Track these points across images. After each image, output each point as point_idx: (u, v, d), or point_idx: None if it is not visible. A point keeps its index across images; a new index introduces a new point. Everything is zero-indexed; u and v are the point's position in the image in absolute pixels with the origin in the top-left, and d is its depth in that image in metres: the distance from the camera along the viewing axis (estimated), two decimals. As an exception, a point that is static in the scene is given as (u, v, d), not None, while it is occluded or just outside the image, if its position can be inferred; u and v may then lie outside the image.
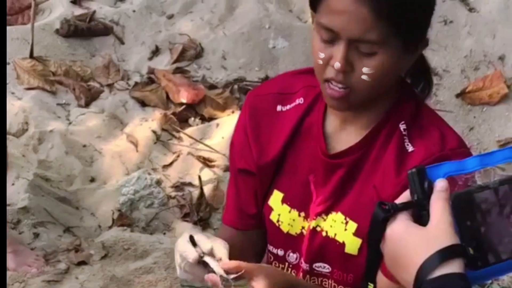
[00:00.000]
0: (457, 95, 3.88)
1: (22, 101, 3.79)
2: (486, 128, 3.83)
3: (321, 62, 1.67)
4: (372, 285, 1.26)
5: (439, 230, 1.15)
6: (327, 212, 1.76)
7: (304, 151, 1.79)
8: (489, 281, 3.08)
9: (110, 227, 3.37)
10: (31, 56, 3.98)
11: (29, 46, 3.98)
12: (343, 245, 1.74)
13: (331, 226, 1.75)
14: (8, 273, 3.05)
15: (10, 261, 3.07)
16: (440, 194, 1.16)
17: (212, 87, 4.02)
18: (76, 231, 3.29)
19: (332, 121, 1.78)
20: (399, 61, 1.67)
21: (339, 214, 1.75)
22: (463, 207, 1.16)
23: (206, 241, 1.65)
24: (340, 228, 1.74)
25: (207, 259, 1.62)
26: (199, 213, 3.41)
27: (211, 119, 3.86)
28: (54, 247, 3.19)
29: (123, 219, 3.36)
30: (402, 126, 1.72)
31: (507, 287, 3.13)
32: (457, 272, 1.12)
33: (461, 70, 3.92)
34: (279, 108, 1.81)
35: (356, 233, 1.73)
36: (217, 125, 3.81)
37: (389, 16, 1.61)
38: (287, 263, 1.83)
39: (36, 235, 3.23)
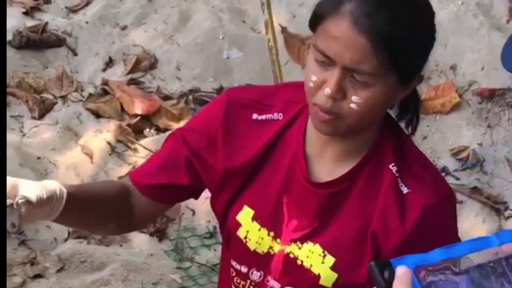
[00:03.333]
0: (410, 104, 3.93)
1: (-26, 113, 3.75)
2: (439, 137, 3.88)
3: (312, 85, 1.62)
4: None
5: None
6: (302, 240, 1.72)
7: (279, 169, 1.74)
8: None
9: (66, 240, 3.36)
10: (-17, 67, 3.95)
11: (-20, 58, 3.95)
12: (318, 277, 1.71)
13: (307, 257, 1.72)
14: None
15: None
16: (401, 278, 1.16)
17: (166, 98, 4.03)
18: (31, 244, 3.27)
19: (312, 143, 1.73)
20: (392, 94, 1.63)
21: (317, 246, 1.71)
22: None
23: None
24: (317, 260, 1.71)
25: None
26: (156, 224, 3.41)
27: (166, 130, 3.86)
28: (9, 260, 3.17)
29: (79, 231, 3.35)
30: (393, 168, 1.68)
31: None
32: None
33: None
34: (254, 116, 1.76)
35: (333, 268, 1.70)
36: (173, 136, 3.81)
37: (387, 50, 1.56)
38: (249, 280, 1.79)
39: (-10, 249, 3.20)
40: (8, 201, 1.52)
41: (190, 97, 4.05)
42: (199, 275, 3.26)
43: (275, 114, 1.76)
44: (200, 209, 3.50)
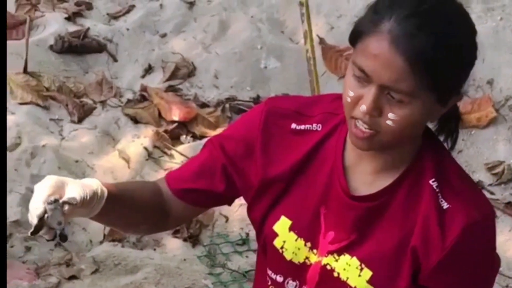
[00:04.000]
0: (446, 118, 3.93)
1: (15, 115, 3.81)
2: (474, 151, 3.87)
3: (349, 100, 1.63)
4: None
5: None
6: (339, 253, 1.73)
7: (317, 180, 1.74)
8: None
9: (101, 242, 3.39)
10: (25, 71, 4.01)
11: (23, 62, 4.01)
12: None
13: (344, 269, 1.72)
14: (-1, 286, 3.07)
15: (2, 274, 3.09)
16: None
17: (203, 105, 4.06)
18: (67, 245, 3.31)
19: (351, 156, 1.73)
20: (429, 112, 1.63)
21: (354, 259, 1.71)
22: None
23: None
24: (354, 273, 1.71)
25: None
26: (189, 230, 3.44)
27: (202, 137, 3.89)
28: (45, 261, 3.21)
29: (114, 234, 3.38)
30: (433, 184, 1.68)
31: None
32: None
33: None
34: (293, 126, 1.76)
35: (370, 281, 1.70)
36: (208, 143, 3.84)
37: (425, 69, 1.56)
38: None
39: (28, 249, 3.25)
40: (53, 199, 1.57)
41: (227, 105, 4.08)
42: (230, 281, 3.27)
43: (314, 125, 1.76)
44: (234, 216, 3.52)
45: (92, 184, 1.66)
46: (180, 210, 1.84)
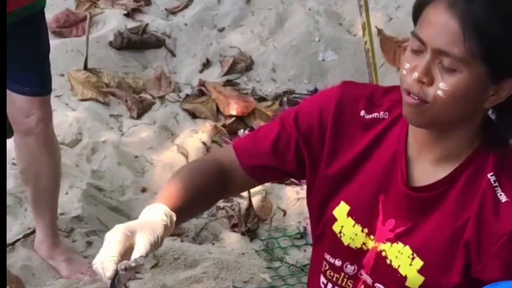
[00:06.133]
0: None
1: (76, 112, 3.86)
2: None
3: (404, 72, 1.65)
4: None
5: None
6: (393, 240, 1.74)
7: (378, 168, 1.76)
8: None
9: (160, 237, 3.42)
10: (85, 68, 4.07)
11: (83, 58, 4.07)
12: (405, 278, 1.73)
13: (396, 257, 1.74)
14: (61, 281, 3.12)
15: (63, 269, 3.14)
16: None
17: (261, 99, 4.07)
18: (127, 240, 3.34)
19: (412, 145, 1.75)
20: (480, 88, 1.63)
21: (407, 247, 1.73)
22: None
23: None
24: (405, 262, 1.73)
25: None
26: (247, 224, 3.45)
27: (260, 131, 3.90)
28: (106, 256, 3.25)
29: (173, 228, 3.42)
30: (491, 178, 1.68)
31: None
32: None
33: None
34: (362, 113, 1.79)
35: (421, 271, 1.72)
36: (266, 137, 3.85)
37: (478, 35, 1.58)
38: (343, 273, 1.82)
39: (89, 244, 3.29)
40: (124, 267, 1.55)
41: (285, 98, 4.08)
42: (288, 275, 3.28)
43: (381, 113, 1.79)
44: (291, 210, 3.53)
45: (158, 222, 1.63)
46: (243, 183, 1.86)
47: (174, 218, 1.67)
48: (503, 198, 1.66)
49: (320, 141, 1.80)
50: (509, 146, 1.72)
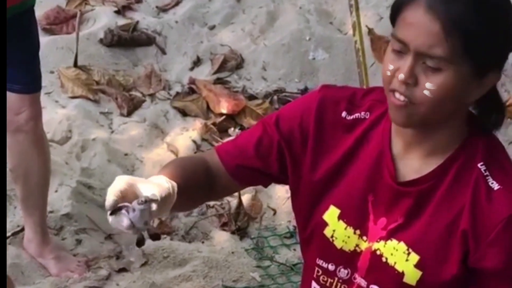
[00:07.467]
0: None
1: (66, 109, 3.86)
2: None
3: (389, 73, 1.66)
4: None
5: None
6: (386, 238, 1.74)
7: (364, 168, 1.76)
8: None
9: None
10: (75, 65, 4.06)
11: (73, 55, 4.06)
12: (402, 274, 1.73)
13: (391, 254, 1.74)
14: (51, 279, 3.12)
15: (53, 267, 3.14)
16: None
17: (252, 97, 4.07)
18: (117, 238, 3.35)
19: (397, 143, 1.75)
20: (466, 85, 1.64)
21: (402, 244, 1.73)
22: None
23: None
24: (401, 258, 1.73)
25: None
26: (237, 223, 3.46)
27: (250, 129, 3.90)
28: (96, 254, 3.25)
29: (163, 227, 3.42)
30: (482, 167, 1.69)
31: None
32: None
33: (500, 84, 3.93)
34: (343, 114, 1.79)
35: (417, 265, 1.71)
36: (257, 135, 3.85)
37: (460, 34, 1.60)
38: (336, 278, 1.81)
39: (79, 242, 3.29)
40: (143, 199, 1.52)
41: (275, 97, 4.08)
42: (278, 274, 3.29)
43: (362, 113, 1.79)
44: (281, 209, 3.53)
45: (162, 182, 1.61)
46: (227, 185, 1.85)
47: (176, 189, 1.63)
48: (495, 186, 1.68)
49: (302, 146, 1.80)
50: (494, 138, 1.74)
